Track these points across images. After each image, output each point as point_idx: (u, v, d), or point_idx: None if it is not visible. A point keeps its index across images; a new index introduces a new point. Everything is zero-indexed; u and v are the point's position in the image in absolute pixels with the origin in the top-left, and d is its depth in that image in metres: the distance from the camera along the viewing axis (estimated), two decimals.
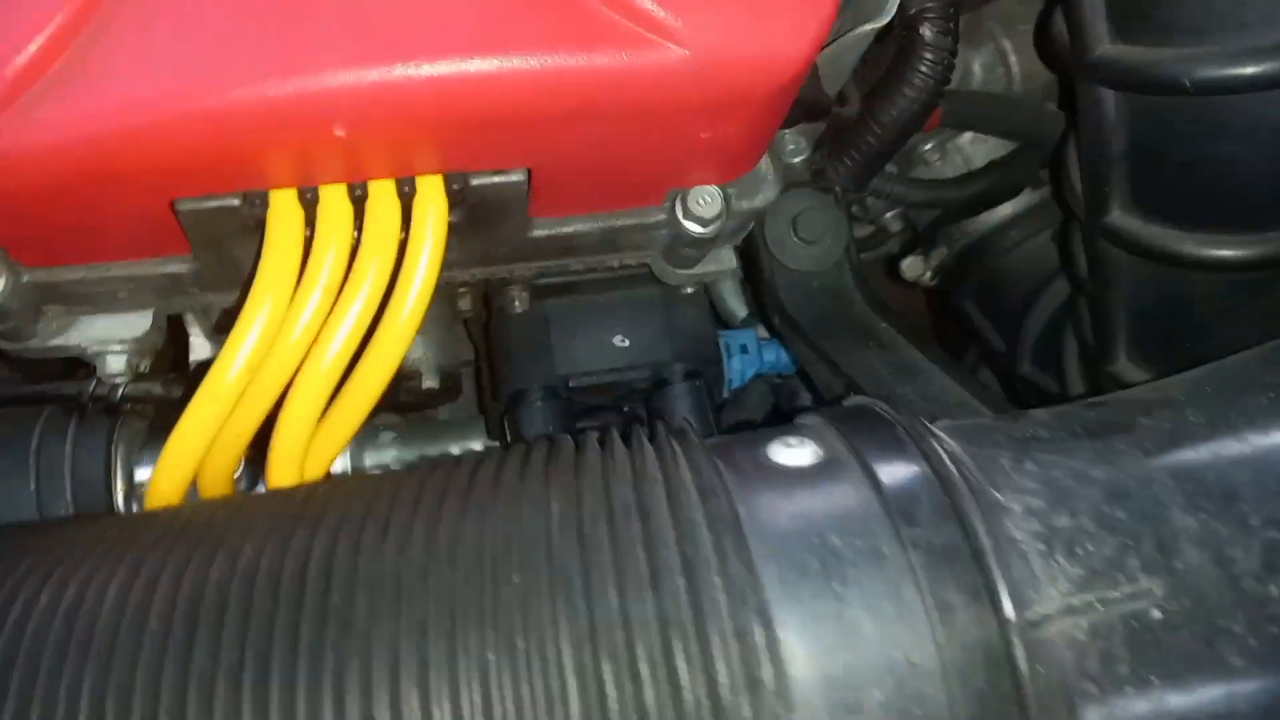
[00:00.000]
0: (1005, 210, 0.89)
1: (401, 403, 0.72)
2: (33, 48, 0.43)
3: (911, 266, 0.97)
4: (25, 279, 0.52)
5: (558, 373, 0.69)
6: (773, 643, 0.35)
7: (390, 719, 0.33)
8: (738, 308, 0.89)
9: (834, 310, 0.70)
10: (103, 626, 0.37)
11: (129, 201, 0.48)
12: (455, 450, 0.84)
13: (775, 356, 0.80)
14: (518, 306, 0.69)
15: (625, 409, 0.75)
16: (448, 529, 0.38)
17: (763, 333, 0.82)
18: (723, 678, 0.34)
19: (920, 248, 0.97)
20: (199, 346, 0.68)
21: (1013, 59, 0.82)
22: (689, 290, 0.70)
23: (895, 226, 0.96)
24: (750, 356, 0.80)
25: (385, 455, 0.79)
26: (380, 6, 0.45)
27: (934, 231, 0.94)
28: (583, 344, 0.69)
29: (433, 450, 0.81)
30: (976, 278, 0.92)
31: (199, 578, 0.38)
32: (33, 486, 0.75)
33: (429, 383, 0.69)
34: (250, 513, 0.42)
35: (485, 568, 0.37)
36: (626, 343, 0.69)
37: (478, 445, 0.82)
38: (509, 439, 0.71)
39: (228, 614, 0.36)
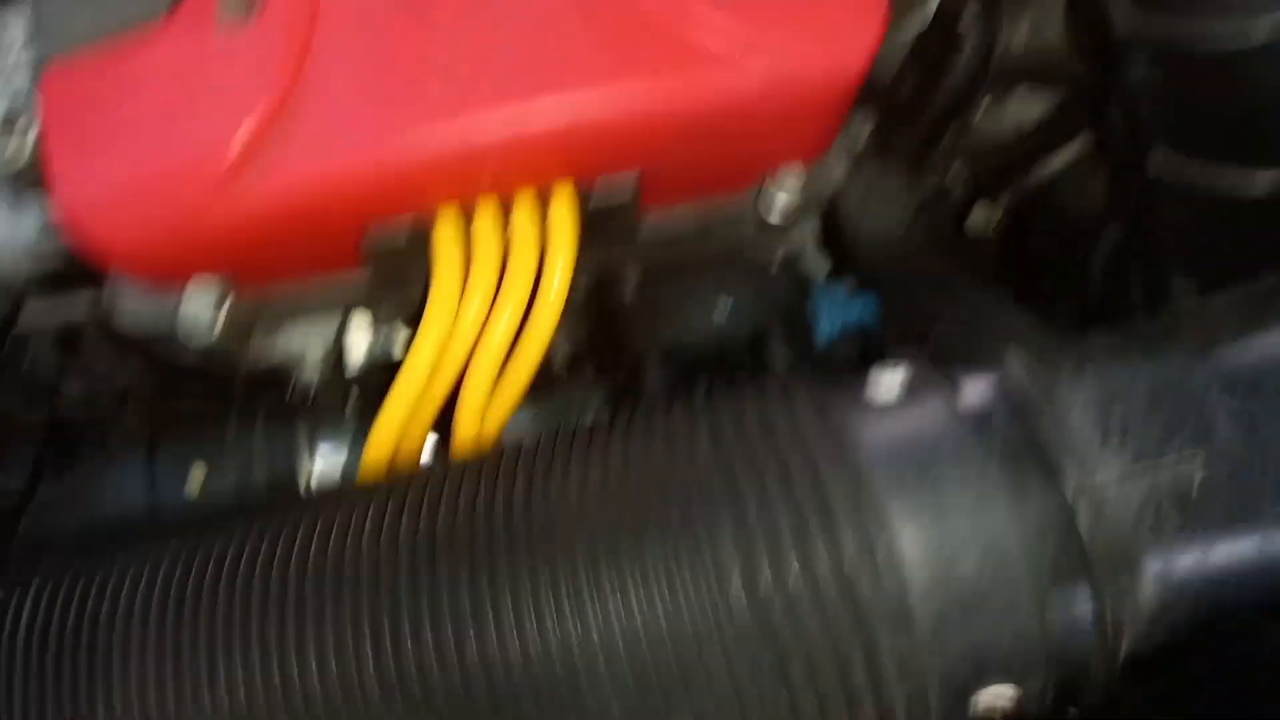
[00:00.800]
0: (1061, 157, 0.96)
1: (541, 382, 0.83)
2: (250, 126, 0.54)
3: (979, 216, 1.04)
4: (242, 302, 0.64)
5: (669, 339, 0.79)
6: (883, 522, 0.44)
7: (597, 595, 0.44)
8: (818, 269, 0.98)
9: (909, 265, 0.78)
10: (374, 552, 0.48)
11: (328, 233, 0.60)
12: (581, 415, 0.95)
13: (859, 309, 0.89)
14: (630, 288, 0.79)
15: (728, 366, 0.84)
16: (619, 459, 0.49)
17: (847, 287, 0.90)
18: (847, 550, 0.44)
19: (984, 200, 1.04)
20: (359, 342, 0.81)
21: (1049, 30, 0.89)
22: (778, 259, 0.80)
23: (958, 188, 1.03)
24: (836, 310, 0.88)
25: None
26: (506, 54, 0.56)
27: (995, 186, 1.01)
28: (689, 313, 0.79)
29: (565, 417, 0.92)
30: (1040, 225, 0.99)
31: (430, 515, 0.49)
32: (232, 476, 0.88)
33: (561, 364, 0.80)
34: (457, 471, 0.53)
35: (654, 485, 0.47)
36: (728, 309, 0.79)
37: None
38: (632, 401, 0.81)
39: (460, 536, 0.47)
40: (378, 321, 0.79)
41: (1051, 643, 0.45)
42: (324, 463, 0.87)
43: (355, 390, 0.88)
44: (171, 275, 0.60)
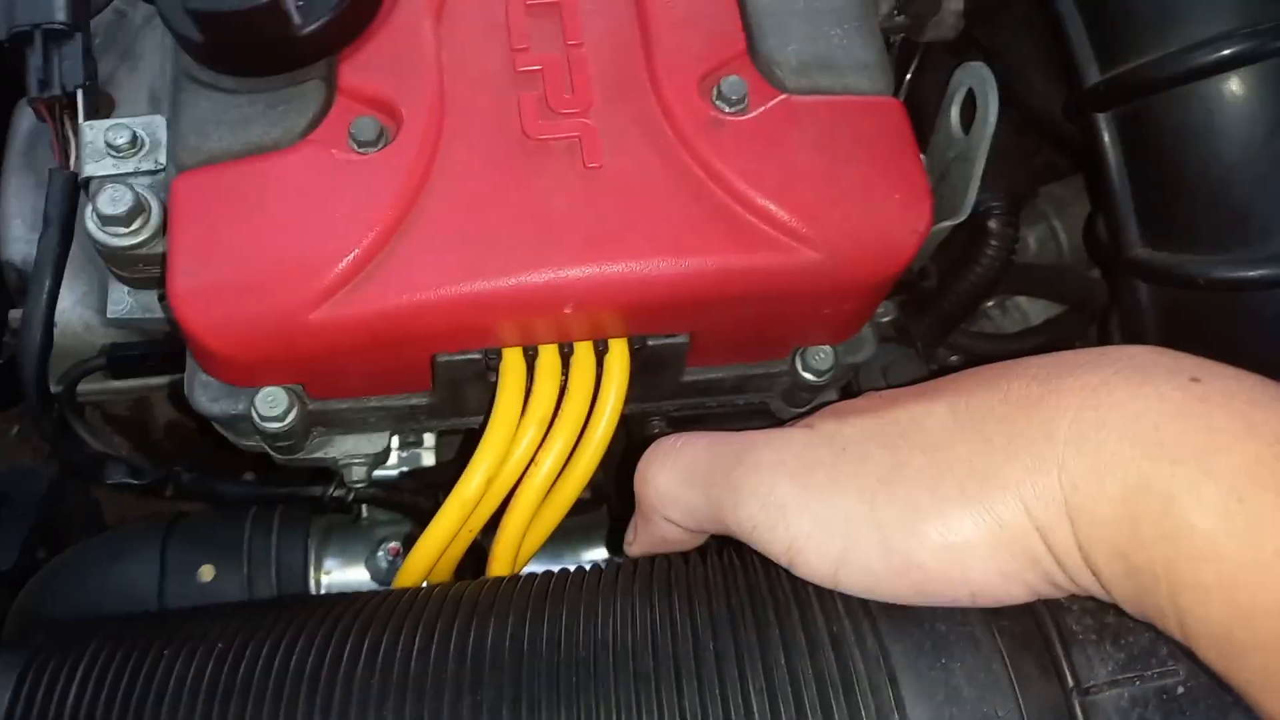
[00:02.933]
0: None
1: None
2: (357, 250, 0.60)
3: None
4: (310, 409, 0.68)
5: None
6: (900, 700, 0.49)
7: None
8: None
9: None
10: (414, 670, 0.52)
11: (402, 357, 0.65)
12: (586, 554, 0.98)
13: None
14: (657, 433, 0.84)
15: None
16: (658, 608, 0.53)
17: None
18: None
19: None
20: (391, 455, 0.85)
21: (1063, 236, 0.98)
22: None
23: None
24: None
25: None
26: (598, 221, 0.62)
27: None
28: None
29: (565, 553, 0.96)
30: None
31: (479, 639, 0.53)
32: (244, 572, 0.91)
33: (584, 494, 0.84)
34: (505, 594, 0.57)
35: (691, 637, 0.51)
36: None
37: (604, 551, 0.97)
38: None
39: (505, 658, 0.51)
40: (406, 441, 0.84)
41: None
42: (330, 577, 0.91)
43: (364, 509, 0.92)
44: (251, 376, 0.65)
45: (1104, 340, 0.84)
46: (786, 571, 0.55)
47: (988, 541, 0.47)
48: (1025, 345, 0.97)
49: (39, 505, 0.99)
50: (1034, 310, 1.04)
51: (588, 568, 0.59)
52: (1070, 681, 0.50)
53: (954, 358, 1.08)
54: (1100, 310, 0.92)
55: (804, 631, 0.50)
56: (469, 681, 0.50)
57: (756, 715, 0.48)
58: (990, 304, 1.05)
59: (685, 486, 0.57)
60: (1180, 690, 0.51)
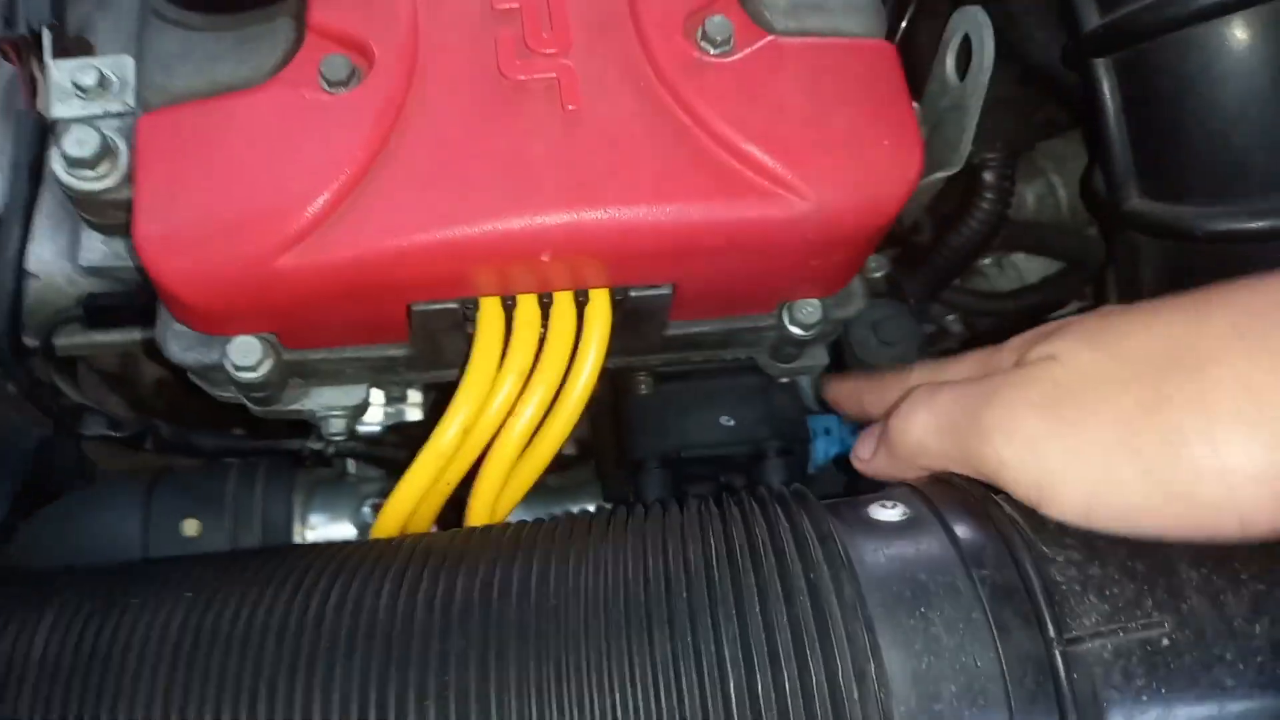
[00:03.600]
0: (1059, 317, 1.02)
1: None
2: (327, 194, 0.58)
3: None
4: (284, 359, 0.67)
5: (674, 445, 0.82)
6: (875, 647, 0.47)
7: (600, 688, 0.47)
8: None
9: None
10: (382, 618, 0.51)
11: (377, 305, 0.63)
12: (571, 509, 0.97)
13: (855, 439, 0.93)
14: (643, 389, 0.83)
15: (723, 479, 0.88)
16: (631, 555, 0.52)
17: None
18: (840, 670, 0.47)
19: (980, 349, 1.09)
20: (374, 409, 0.84)
21: (1061, 191, 0.96)
22: (785, 380, 0.84)
23: (955, 328, 1.09)
24: (833, 438, 0.93)
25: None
26: (576, 166, 0.60)
27: (992, 334, 1.07)
28: (695, 422, 0.83)
29: (551, 509, 0.95)
30: None
31: (449, 586, 0.52)
32: (228, 526, 0.90)
33: (568, 450, 0.83)
34: (479, 542, 0.56)
35: (663, 586, 0.50)
36: (732, 422, 0.83)
37: (591, 507, 0.96)
38: (630, 499, 0.84)
39: (475, 607, 0.50)
40: (391, 397, 0.83)
41: None
42: (315, 533, 0.90)
43: (351, 465, 0.91)
44: (225, 324, 0.64)
45: (1100, 298, 0.82)
46: (764, 521, 0.54)
47: (1262, 465, 0.44)
48: (1020, 304, 0.96)
49: (28, 461, 0.98)
50: (1031, 268, 1.02)
51: (562, 516, 0.58)
52: (1052, 631, 0.48)
53: (950, 315, 1.06)
54: (1098, 269, 0.91)
55: (779, 579, 0.49)
56: (438, 630, 0.49)
57: (729, 664, 0.47)
58: (987, 261, 1.03)
59: (939, 436, 0.56)
60: (1165, 642, 0.50)
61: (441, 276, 0.61)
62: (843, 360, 0.85)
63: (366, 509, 0.90)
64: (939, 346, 1.14)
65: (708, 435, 0.82)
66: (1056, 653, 0.48)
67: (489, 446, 0.65)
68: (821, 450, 0.94)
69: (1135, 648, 0.49)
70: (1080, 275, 0.95)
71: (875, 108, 0.64)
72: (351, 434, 0.76)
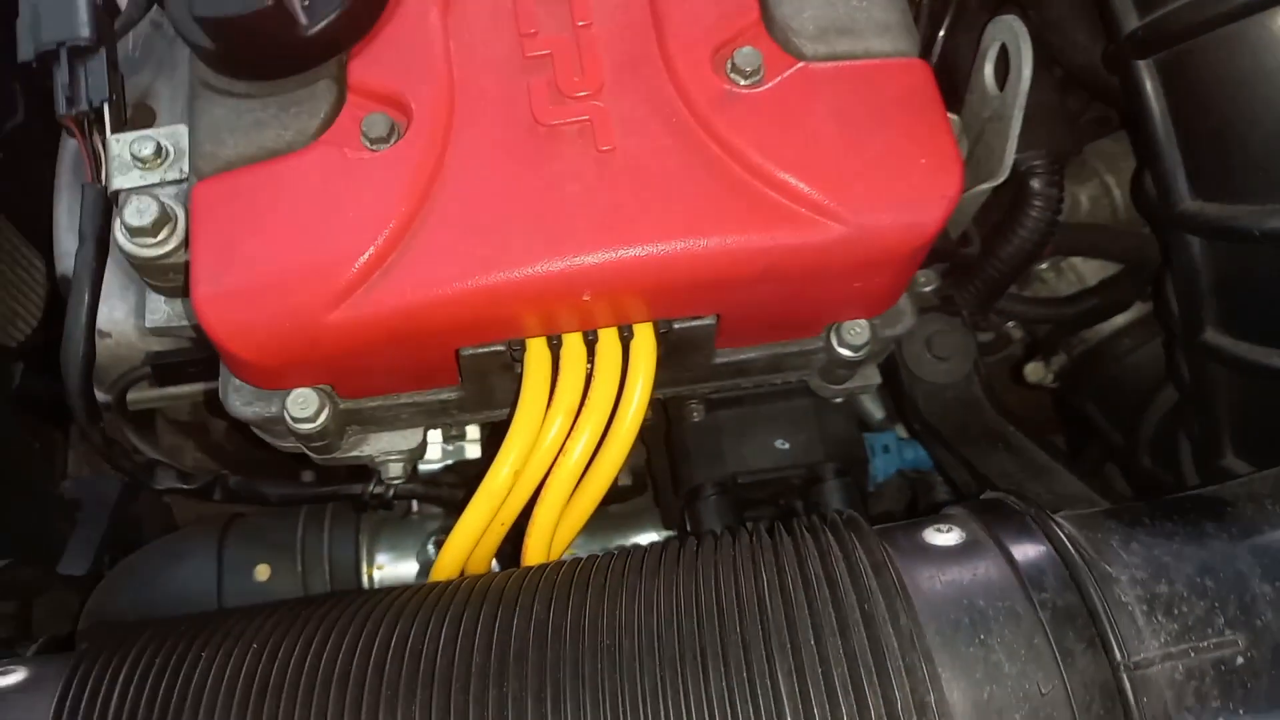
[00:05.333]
0: (1118, 320, 1.00)
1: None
2: (373, 249, 0.60)
3: (1034, 371, 1.07)
4: (341, 408, 0.69)
5: (729, 471, 0.82)
6: (935, 677, 0.47)
7: None
8: (875, 411, 1.01)
9: (967, 417, 0.82)
10: (440, 664, 0.51)
11: (426, 352, 0.64)
12: (632, 538, 0.98)
13: (913, 454, 0.92)
14: (696, 417, 0.83)
15: (782, 502, 0.87)
16: (682, 589, 0.52)
17: (900, 432, 0.94)
18: (899, 700, 0.46)
19: (1041, 354, 1.07)
20: (433, 446, 0.85)
21: (1115, 192, 0.94)
22: (838, 400, 0.83)
23: (1016, 335, 1.07)
24: (891, 455, 0.92)
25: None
26: (612, 205, 0.61)
27: (1053, 339, 1.05)
28: (749, 447, 0.83)
29: (612, 539, 0.96)
30: (1094, 381, 1.02)
31: (505, 629, 0.52)
32: (299, 569, 0.93)
33: (624, 480, 0.84)
34: (532, 582, 0.56)
35: (715, 620, 0.50)
36: (786, 445, 0.83)
37: (652, 535, 0.96)
38: (688, 527, 0.84)
39: (531, 648, 0.51)
40: (449, 435, 0.85)
41: None
42: (382, 572, 0.92)
43: (415, 504, 0.93)
44: (281, 378, 0.66)
45: (1159, 300, 0.80)
46: (816, 550, 0.53)
47: None
48: (1080, 308, 0.93)
49: (111, 512, 1.03)
50: (1089, 271, 1.00)
51: (615, 552, 0.58)
52: (1118, 655, 0.47)
53: (1010, 324, 1.04)
54: (1156, 270, 0.88)
55: (834, 611, 0.49)
56: (494, 673, 0.50)
57: (785, 698, 0.47)
58: (1044, 266, 1.01)
59: None
60: (1240, 661, 0.48)
61: (487, 320, 0.62)
62: (898, 377, 0.85)
63: (430, 546, 0.92)
64: (1002, 354, 1.12)
65: (762, 459, 0.82)
66: (1124, 677, 0.47)
67: (543, 483, 0.65)
68: (881, 468, 0.93)
69: (1208, 668, 0.48)
70: (1139, 276, 0.93)
71: (910, 127, 0.63)
72: (411, 476, 0.77)
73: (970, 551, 0.52)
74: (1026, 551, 0.52)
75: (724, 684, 0.48)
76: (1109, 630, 0.48)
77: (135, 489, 1.06)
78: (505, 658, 0.51)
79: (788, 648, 0.48)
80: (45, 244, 0.90)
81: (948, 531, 0.54)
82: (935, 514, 0.57)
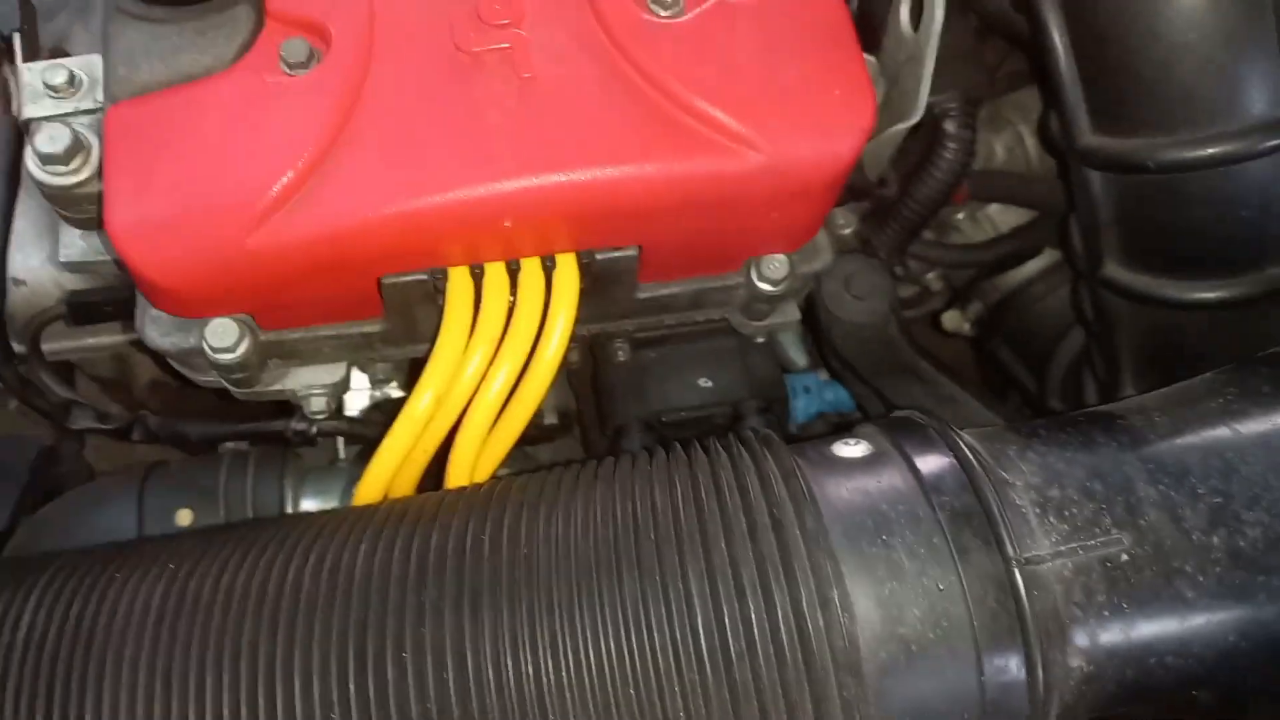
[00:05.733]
0: (1030, 267, 1.03)
1: (528, 435, 0.87)
2: (291, 173, 0.60)
3: (951, 319, 1.10)
4: (261, 339, 0.68)
5: (654, 409, 0.84)
6: (839, 575, 0.49)
7: (571, 630, 0.48)
8: (798, 357, 1.03)
9: (882, 353, 0.84)
10: (359, 577, 0.52)
11: (348, 281, 0.65)
12: None
13: (834, 395, 0.94)
14: (621, 356, 0.84)
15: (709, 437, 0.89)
16: (600, 502, 0.53)
17: (823, 375, 0.96)
18: (804, 598, 0.48)
19: (958, 302, 1.10)
20: (359, 392, 0.85)
21: (1028, 141, 0.97)
22: (760, 339, 0.85)
23: (936, 286, 1.10)
24: (812, 396, 0.94)
25: None
26: (533, 132, 0.62)
27: (970, 288, 1.08)
28: (674, 385, 0.84)
29: None
30: (1008, 327, 1.05)
31: (424, 542, 0.53)
32: (222, 515, 0.92)
33: (550, 419, 0.85)
34: (452, 500, 0.57)
35: (630, 529, 0.51)
36: (710, 384, 0.84)
37: None
38: None
39: (449, 558, 0.51)
40: (375, 379, 0.85)
41: (986, 701, 0.49)
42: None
43: (343, 441, 0.93)
44: (200, 307, 0.65)
45: (1064, 239, 0.83)
46: (730, 463, 0.55)
47: None
48: (994, 253, 0.97)
49: (30, 469, 1.01)
50: (1005, 220, 1.03)
51: (534, 472, 0.60)
52: (1011, 551, 0.50)
53: (930, 275, 1.07)
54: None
55: (744, 516, 0.51)
56: (413, 582, 0.51)
57: (696, 598, 0.48)
58: (961, 215, 1.04)
59: None
60: (1124, 558, 0.51)
61: (408, 248, 0.63)
62: (817, 316, 0.87)
63: (355, 490, 0.91)
64: (925, 308, 1.15)
65: (686, 398, 0.84)
66: (1016, 572, 0.49)
67: (464, 414, 0.66)
68: (802, 408, 0.95)
69: (1095, 565, 0.51)
70: (1051, 222, 0.96)
71: (825, 59, 0.65)
72: (335, 413, 0.77)
73: (876, 461, 0.54)
74: (928, 460, 0.54)
75: (638, 588, 0.49)
76: (1003, 530, 0.50)
77: (56, 451, 1.05)
78: (424, 568, 0.52)
79: (700, 552, 0.50)
80: None
81: (855, 444, 0.56)
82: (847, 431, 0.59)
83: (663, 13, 0.64)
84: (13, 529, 0.94)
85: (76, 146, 0.65)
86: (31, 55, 0.71)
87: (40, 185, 0.66)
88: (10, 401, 1.41)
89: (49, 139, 0.64)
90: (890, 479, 0.53)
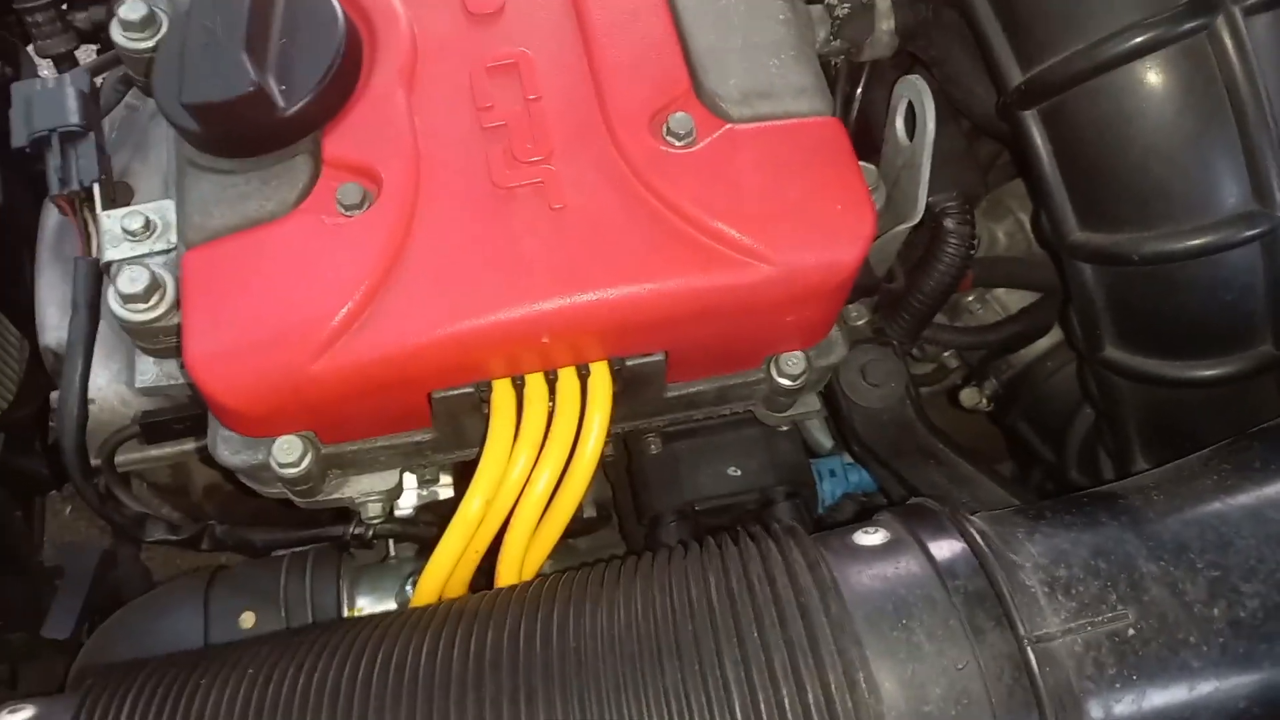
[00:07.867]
0: (1041, 345, 1.08)
1: (569, 529, 0.92)
2: (350, 304, 0.66)
3: (969, 396, 1.15)
4: (323, 452, 0.74)
5: (687, 499, 0.88)
6: (864, 659, 0.53)
7: (624, 716, 0.53)
8: (824, 440, 1.08)
9: (900, 437, 0.89)
10: (422, 674, 0.57)
11: (401, 397, 0.71)
12: None
13: (858, 477, 0.99)
14: (654, 449, 0.89)
15: (739, 527, 0.93)
16: (640, 596, 0.58)
17: (847, 458, 1.00)
18: (833, 681, 0.52)
19: (974, 380, 1.15)
20: (409, 492, 0.91)
21: (1029, 227, 1.03)
22: (785, 428, 0.90)
23: (953, 363, 1.15)
24: (838, 479, 0.98)
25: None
26: (566, 256, 0.68)
27: (984, 366, 1.13)
28: (704, 475, 0.89)
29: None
30: (1024, 403, 1.10)
31: (480, 640, 0.58)
32: (282, 615, 0.97)
33: (589, 512, 0.90)
34: (504, 599, 0.62)
35: (670, 620, 0.56)
36: (739, 472, 0.89)
37: None
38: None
39: (504, 654, 0.56)
40: (424, 479, 0.90)
41: None
42: (363, 614, 0.96)
43: (392, 543, 0.98)
44: (268, 426, 0.71)
45: (1065, 323, 0.88)
46: (758, 554, 0.60)
47: None
48: (1003, 334, 1.01)
49: (92, 577, 1.06)
50: (1013, 301, 1.08)
51: (578, 569, 0.64)
52: (1023, 630, 0.54)
53: (946, 354, 1.12)
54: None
55: (774, 605, 0.55)
56: (472, 679, 0.55)
57: (732, 683, 0.53)
58: (970, 298, 1.09)
59: None
60: (1131, 632, 0.55)
61: (456, 365, 0.69)
62: (837, 403, 0.92)
63: (408, 587, 0.96)
64: (943, 384, 1.20)
65: (717, 486, 0.88)
66: (1029, 650, 0.53)
67: (511, 514, 0.71)
68: (829, 491, 1.00)
69: (1104, 640, 0.55)
70: (1055, 301, 1.01)
71: (826, 177, 0.71)
72: (389, 516, 0.83)
73: (893, 549, 0.59)
74: (942, 546, 0.58)
75: (678, 674, 0.54)
76: (1014, 610, 0.54)
77: (114, 556, 1.11)
78: (482, 665, 0.56)
79: (734, 639, 0.54)
80: (21, 320, 0.95)
81: (874, 533, 0.60)
82: (867, 520, 0.64)
83: (677, 144, 0.71)
84: (78, 633, 1.00)
85: (154, 286, 0.72)
86: (110, 203, 0.78)
87: (121, 321, 0.73)
88: (67, 508, 1.48)
89: (130, 280, 0.71)
90: (907, 565, 0.58)
